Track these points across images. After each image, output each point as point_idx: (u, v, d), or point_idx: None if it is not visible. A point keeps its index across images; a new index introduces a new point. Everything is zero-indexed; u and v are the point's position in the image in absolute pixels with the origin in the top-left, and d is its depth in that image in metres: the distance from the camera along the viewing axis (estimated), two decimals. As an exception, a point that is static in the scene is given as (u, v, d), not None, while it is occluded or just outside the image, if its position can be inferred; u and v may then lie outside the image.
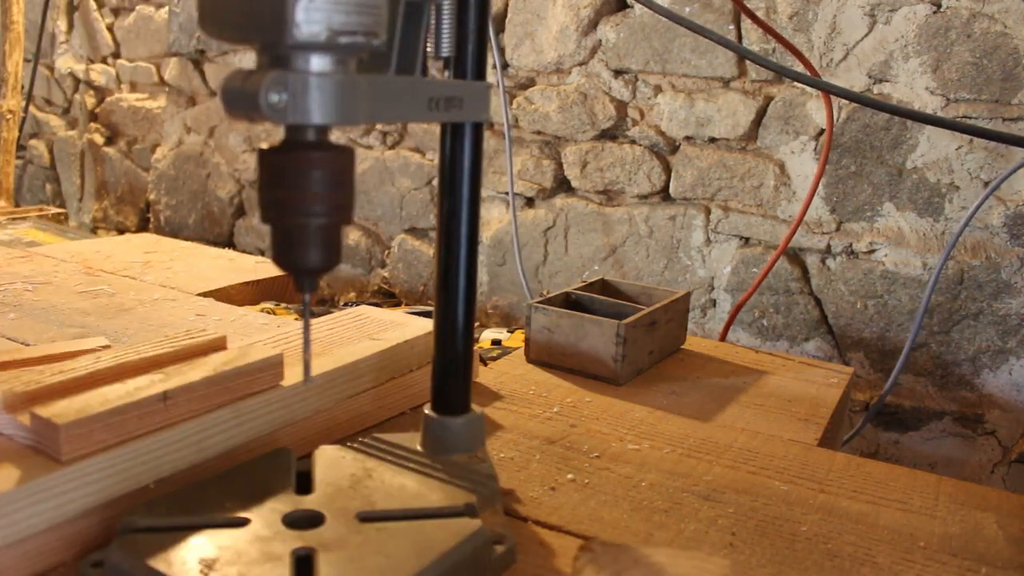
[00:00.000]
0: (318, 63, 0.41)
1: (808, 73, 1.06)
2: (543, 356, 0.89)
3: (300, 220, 0.43)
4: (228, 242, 1.91)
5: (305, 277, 0.45)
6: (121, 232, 2.11)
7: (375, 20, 0.42)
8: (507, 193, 1.49)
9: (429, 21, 0.52)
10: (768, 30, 1.08)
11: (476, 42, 0.55)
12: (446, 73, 0.55)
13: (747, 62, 1.24)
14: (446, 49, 0.53)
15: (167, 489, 0.53)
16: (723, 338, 1.20)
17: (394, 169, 1.61)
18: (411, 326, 0.78)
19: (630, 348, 0.84)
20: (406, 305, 1.59)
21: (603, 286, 1.00)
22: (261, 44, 0.42)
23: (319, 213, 0.43)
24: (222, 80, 0.41)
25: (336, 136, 1.67)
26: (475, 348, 0.76)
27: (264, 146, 0.43)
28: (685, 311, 0.96)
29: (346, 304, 1.54)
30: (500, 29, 1.44)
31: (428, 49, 0.53)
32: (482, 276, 1.52)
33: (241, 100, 0.40)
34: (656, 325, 0.88)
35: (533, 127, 1.43)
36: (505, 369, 0.87)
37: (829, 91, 0.89)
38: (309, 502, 0.51)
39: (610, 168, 1.37)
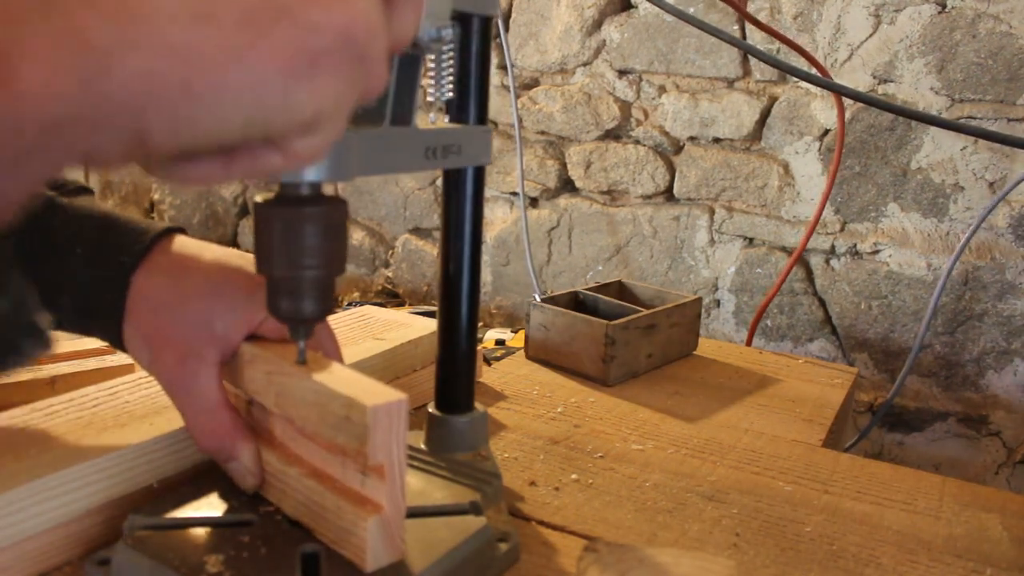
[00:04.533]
0: None
1: (817, 73, 1.06)
2: (540, 354, 0.89)
3: (292, 273, 0.43)
4: (232, 242, 1.91)
5: (300, 326, 0.46)
6: (125, 232, 2.11)
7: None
8: (511, 193, 1.49)
9: (427, 68, 0.52)
10: (773, 33, 1.08)
11: (478, 85, 0.54)
12: (446, 118, 0.55)
13: (751, 62, 1.24)
14: (447, 92, 0.52)
15: (171, 488, 0.54)
16: (749, 343, 1.20)
17: (398, 169, 1.62)
18: (415, 326, 0.78)
19: (620, 350, 0.83)
20: (410, 305, 1.59)
21: (620, 288, 1.00)
22: None
23: (312, 266, 0.43)
24: None
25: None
26: (479, 348, 0.76)
27: (259, 199, 0.43)
28: (695, 317, 0.94)
29: (350, 304, 1.55)
30: (504, 29, 1.44)
31: (429, 94, 0.53)
32: (486, 276, 1.52)
33: None
34: (656, 328, 0.88)
35: (537, 127, 1.43)
36: (509, 369, 0.87)
37: (838, 91, 0.89)
38: (314, 501, 0.51)
39: (614, 168, 1.37)
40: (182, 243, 0.53)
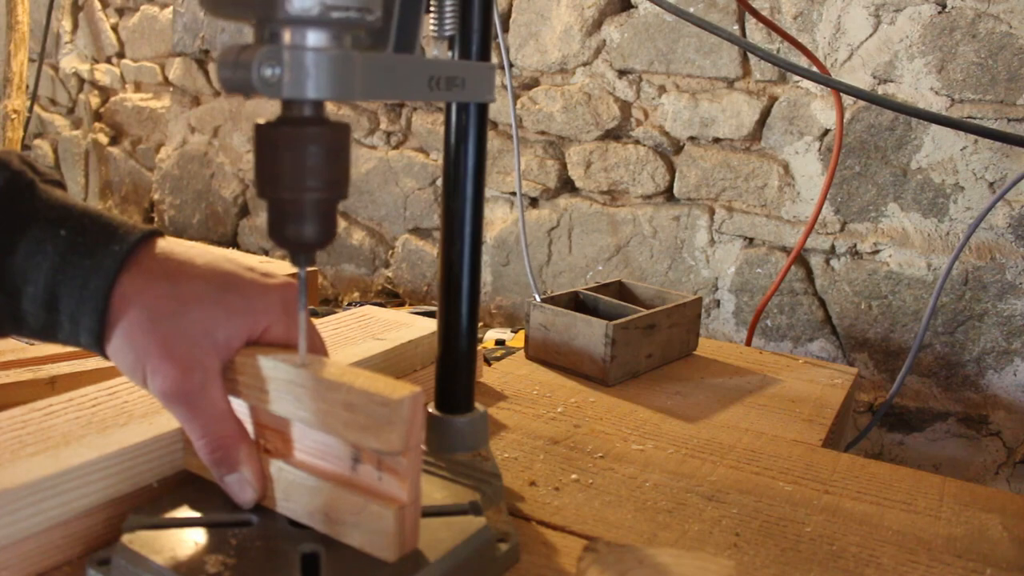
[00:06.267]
0: (312, 38, 0.41)
1: (817, 71, 1.06)
2: (540, 354, 0.89)
3: (295, 195, 0.43)
4: (232, 242, 1.92)
5: (300, 252, 0.45)
6: (125, 232, 2.11)
7: (370, -4, 0.42)
8: (511, 193, 1.49)
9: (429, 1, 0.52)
10: (775, 28, 1.08)
11: (481, 22, 0.54)
12: (450, 54, 0.55)
13: (751, 62, 1.24)
14: (449, 28, 0.53)
15: (171, 488, 0.54)
16: (748, 343, 1.19)
17: (398, 169, 1.62)
18: (415, 326, 0.78)
19: (620, 349, 0.83)
20: (410, 305, 1.59)
21: (620, 288, 1.00)
22: (256, 19, 0.42)
23: (314, 188, 0.43)
24: (218, 55, 0.41)
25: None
26: (479, 348, 0.76)
27: (260, 121, 0.43)
28: (695, 317, 0.94)
29: (350, 304, 1.55)
30: (504, 29, 1.44)
31: (431, 29, 0.53)
32: (486, 276, 1.52)
33: (235, 74, 0.40)
34: (656, 328, 0.88)
35: (537, 127, 1.43)
36: (509, 369, 0.87)
37: (838, 88, 0.88)
38: (314, 501, 0.51)
39: (614, 168, 1.37)
40: (167, 245, 0.50)
